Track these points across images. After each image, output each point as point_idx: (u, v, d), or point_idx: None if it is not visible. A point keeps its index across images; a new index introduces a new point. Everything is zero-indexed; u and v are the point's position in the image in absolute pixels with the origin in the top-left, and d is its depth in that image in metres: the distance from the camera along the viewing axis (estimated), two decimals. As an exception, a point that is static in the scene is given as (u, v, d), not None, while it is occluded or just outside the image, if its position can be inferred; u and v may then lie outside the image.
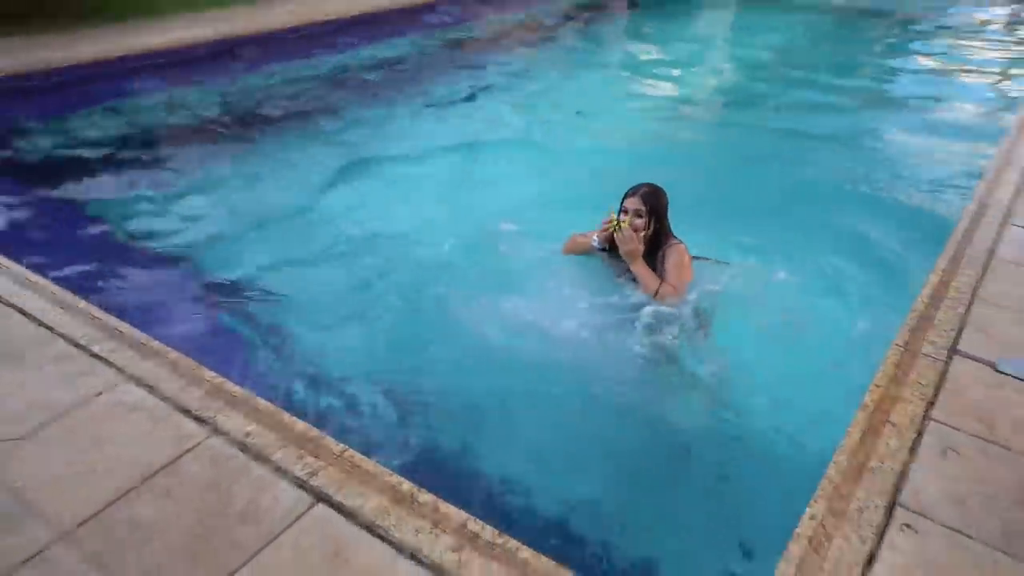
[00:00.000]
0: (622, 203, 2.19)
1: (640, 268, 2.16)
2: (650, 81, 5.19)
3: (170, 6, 5.06)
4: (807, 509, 1.30)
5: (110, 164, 3.33)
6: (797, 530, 1.25)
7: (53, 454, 1.43)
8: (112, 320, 1.92)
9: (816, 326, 2.24)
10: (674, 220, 2.28)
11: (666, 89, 4.95)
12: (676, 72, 5.44)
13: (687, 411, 1.97)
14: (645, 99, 4.75)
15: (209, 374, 1.69)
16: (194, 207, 3.04)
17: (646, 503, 1.67)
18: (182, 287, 2.57)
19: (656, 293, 2.13)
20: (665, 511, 1.63)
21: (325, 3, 5.80)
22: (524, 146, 3.82)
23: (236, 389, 1.63)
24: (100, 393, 1.60)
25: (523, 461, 1.74)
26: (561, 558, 1.16)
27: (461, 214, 3.05)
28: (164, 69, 4.20)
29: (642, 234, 2.14)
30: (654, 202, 2.15)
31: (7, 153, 3.24)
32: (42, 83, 3.75)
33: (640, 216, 2.13)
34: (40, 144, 3.39)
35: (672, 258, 2.19)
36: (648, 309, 2.12)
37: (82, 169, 3.20)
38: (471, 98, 4.66)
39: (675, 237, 2.26)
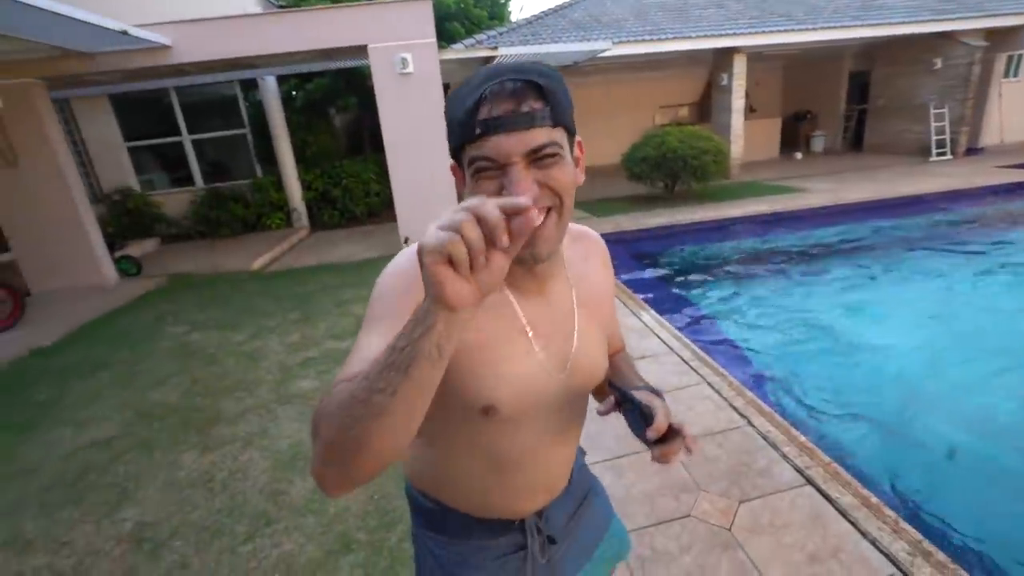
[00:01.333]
0: None
1: None
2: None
3: (745, 192, 8.52)
4: None
5: (702, 272, 5.79)
6: None
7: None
8: (698, 350, 3.33)
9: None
10: None
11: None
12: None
13: None
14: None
15: (748, 393, 2.74)
16: (735, 301, 4.86)
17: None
18: (731, 339, 3.99)
19: None
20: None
21: (847, 192, 7.86)
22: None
23: (764, 406, 2.61)
24: (691, 385, 2.95)
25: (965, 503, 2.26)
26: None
27: (916, 332, 3.94)
28: (735, 227, 7.12)
29: None
30: None
31: (656, 261, 6.32)
32: (676, 231, 7.05)
33: None
34: (671, 261, 6.30)
35: None
36: None
37: (687, 272, 5.83)
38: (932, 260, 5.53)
39: None
